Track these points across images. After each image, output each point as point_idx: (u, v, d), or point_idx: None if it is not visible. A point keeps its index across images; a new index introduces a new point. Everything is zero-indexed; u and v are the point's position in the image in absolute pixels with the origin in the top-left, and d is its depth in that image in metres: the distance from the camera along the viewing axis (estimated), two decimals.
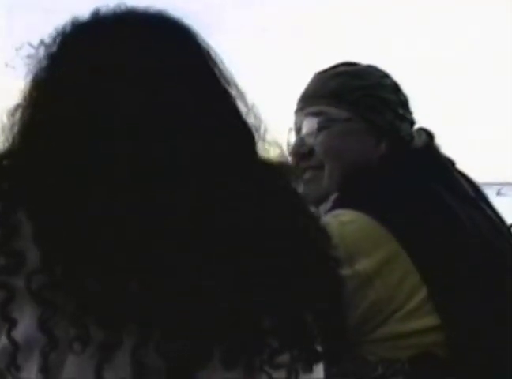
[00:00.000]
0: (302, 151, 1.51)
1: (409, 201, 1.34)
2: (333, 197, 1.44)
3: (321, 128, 1.47)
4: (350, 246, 1.29)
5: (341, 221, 1.33)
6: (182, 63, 0.81)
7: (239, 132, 0.81)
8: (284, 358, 0.76)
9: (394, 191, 1.36)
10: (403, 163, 1.43)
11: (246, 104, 0.83)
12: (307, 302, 0.78)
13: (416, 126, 1.55)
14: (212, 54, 0.84)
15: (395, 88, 1.52)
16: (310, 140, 1.49)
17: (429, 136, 1.53)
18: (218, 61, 0.83)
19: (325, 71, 1.54)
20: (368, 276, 1.29)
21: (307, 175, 1.50)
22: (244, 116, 0.82)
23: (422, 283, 1.29)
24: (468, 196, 1.45)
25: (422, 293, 1.29)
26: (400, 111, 1.49)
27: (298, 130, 1.53)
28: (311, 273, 0.79)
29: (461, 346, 1.29)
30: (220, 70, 0.83)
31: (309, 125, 1.49)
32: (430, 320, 1.29)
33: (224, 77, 0.83)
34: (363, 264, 1.29)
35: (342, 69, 1.52)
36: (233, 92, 0.82)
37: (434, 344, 1.29)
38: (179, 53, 0.82)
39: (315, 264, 0.80)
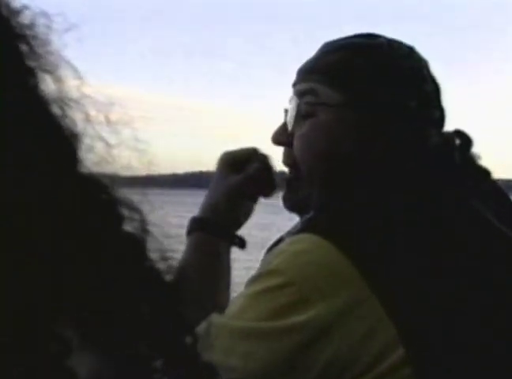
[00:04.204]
0: (281, 140, 1.20)
1: (389, 230, 1.00)
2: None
3: (306, 114, 1.15)
4: (303, 285, 0.97)
5: (295, 250, 1.01)
6: None
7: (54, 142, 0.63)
8: None
9: (372, 213, 1.03)
10: (394, 173, 1.09)
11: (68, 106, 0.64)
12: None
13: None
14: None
15: (409, 75, 1.14)
16: (292, 127, 1.18)
17: (466, 141, 1.16)
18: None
19: (333, 41, 1.19)
20: (325, 325, 0.96)
21: (286, 175, 1.21)
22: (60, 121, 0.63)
23: (398, 340, 0.95)
24: (484, 224, 1.07)
25: (397, 353, 0.95)
26: (397, 103, 1.12)
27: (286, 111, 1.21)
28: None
29: None
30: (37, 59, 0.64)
31: (293, 107, 1.18)
32: None
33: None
34: (318, 310, 0.96)
35: (353, 41, 1.17)
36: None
37: None
38: None
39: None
